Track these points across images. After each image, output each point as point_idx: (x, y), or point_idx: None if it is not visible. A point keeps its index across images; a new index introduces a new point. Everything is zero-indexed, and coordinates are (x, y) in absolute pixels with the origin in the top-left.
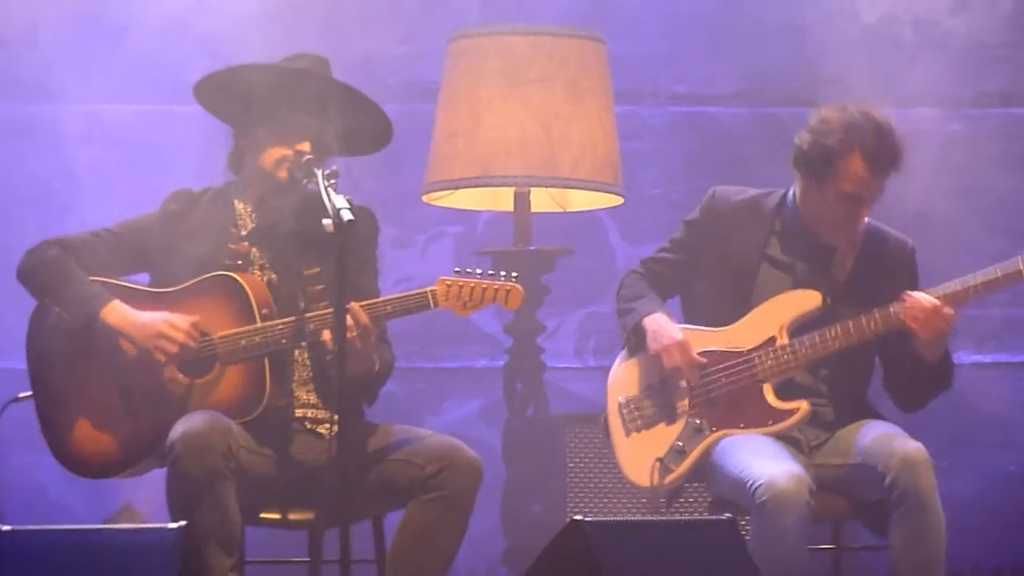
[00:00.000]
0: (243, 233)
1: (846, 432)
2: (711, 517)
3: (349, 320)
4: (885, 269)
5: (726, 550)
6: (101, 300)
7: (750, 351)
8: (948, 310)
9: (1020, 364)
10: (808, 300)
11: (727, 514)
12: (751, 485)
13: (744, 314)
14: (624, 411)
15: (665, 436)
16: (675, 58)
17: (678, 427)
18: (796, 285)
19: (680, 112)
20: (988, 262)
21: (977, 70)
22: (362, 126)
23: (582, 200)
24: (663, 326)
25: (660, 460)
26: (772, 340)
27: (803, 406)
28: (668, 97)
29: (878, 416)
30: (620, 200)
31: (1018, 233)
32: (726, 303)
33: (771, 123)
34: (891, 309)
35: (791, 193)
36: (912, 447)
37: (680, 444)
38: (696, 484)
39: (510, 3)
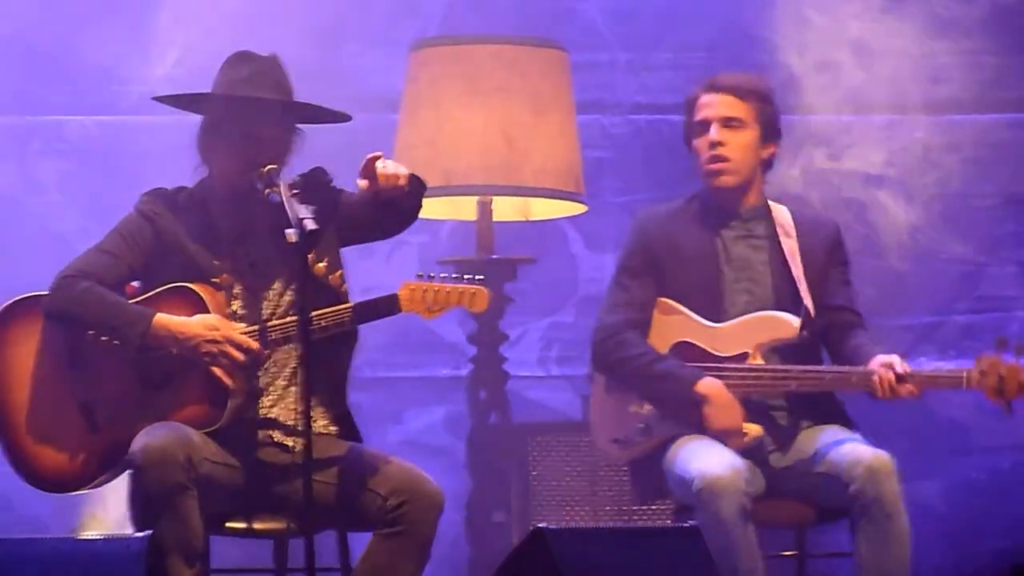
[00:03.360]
0: (218, 242)
1: (807, 437)
2: (675, 525)
3: (388, 170)
4: (823, 250)
5: (690, 558)
6: (146, 316)
7: (724, 359)
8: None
9: None
10: (784, 329)
11: (691, 521)
12: (690, 478)
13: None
14: None
15: (637, 409)
16: (637, 67)
17: (650, 407)
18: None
19: (643, 120)
20: (947, 268)
21: (937, 77)
22: (318, 118)
23: (544, 209)
24: (726, 400)
25: (618, 440)
26: (744, 356)
27: (753, 431)
28: (630, 106)
29: (844, 415)
30: (583, 209)
31: (977, 239)
32: (701, 306)
33: None
34: (867, 371)
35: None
36: (877, 455)
37: (642, 426)
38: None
39: (472, 13)
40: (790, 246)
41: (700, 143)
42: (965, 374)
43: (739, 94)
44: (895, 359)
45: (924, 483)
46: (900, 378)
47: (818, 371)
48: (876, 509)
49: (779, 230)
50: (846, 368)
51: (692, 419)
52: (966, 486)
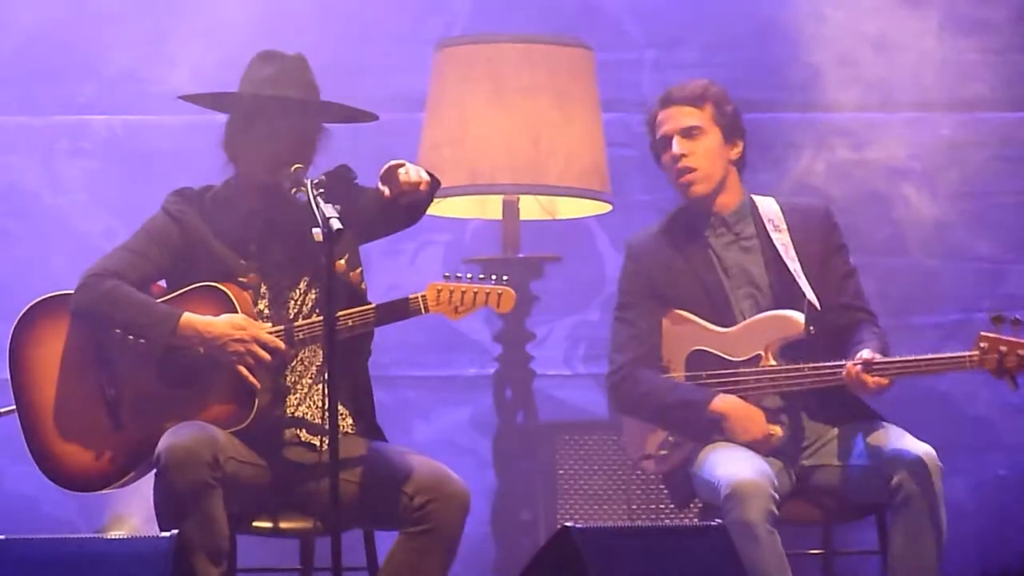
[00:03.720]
0: (244, 241)
1: (846, 433)
2: (701, 523)
3: (411, 176)
4: (818, 239)
5: (716, 556)
6: (173, 316)
7: (738, 363)
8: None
9: None
10: (791, 327)
11: (717, 520)
12: (717, 483)
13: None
14: None
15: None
16: (663, 65)
17: None
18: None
19: None
20: (974, 266)
21: (965, 75)
22: (344, 118)
23: (570, 208)
24: (743, 411)
25: (649, 455)
26: (758, 358)
27: (776, 432)
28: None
29: (871, 411)
30: (608, 207)
31: (1004, 237)
32: (707, 310)
33: (758, 129)
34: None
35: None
36: (922, 449)
37: (671, 440)
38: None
39: (497, 11)
40: (782, 240)
41: (666, 159)
42: (967, 355)
43: (693, 102)
44: (865, 352)
45: (951, 480)
46: (867, 368)
47: (829, 367)
48: (917, 504)
49: (768, 225)
50: (845, 362)
51: (717, 438)
52: (993, 483)
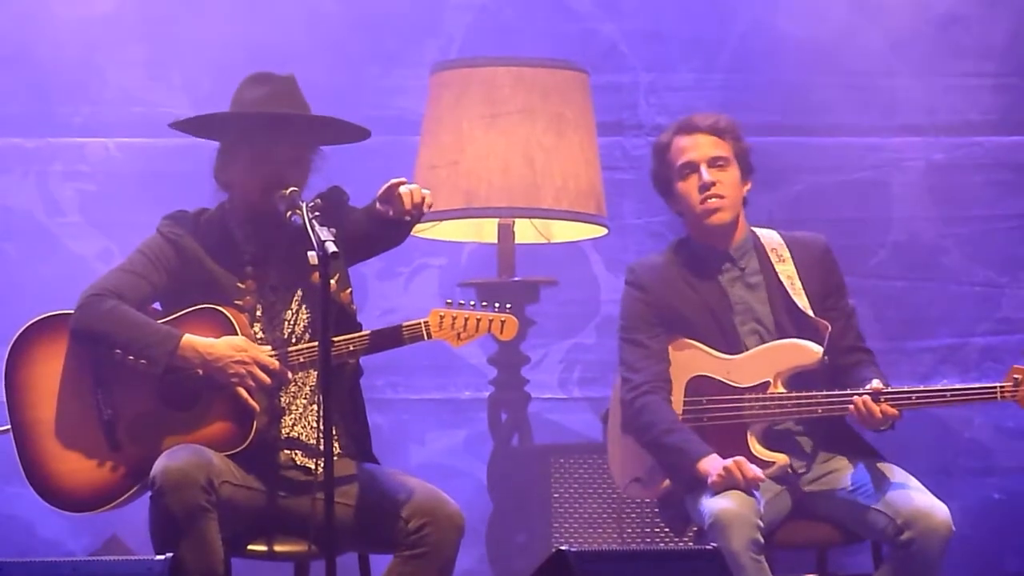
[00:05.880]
0: (240, 264)
1: (854, 467)
2: (695, 547)
3: (415, 193)
4: (818, 274)
5: None
6: (174, 336)
7: (744, 390)
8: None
9: None
10: (806, 356)
11: (712, 544)
12: (703, 513)
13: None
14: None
15: None
16: (658, 88)
17: None
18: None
19: None
20: (969, 289)
21: (959, 99)
22: (338, 139)
23: (566, 231)
24: (727, 477)
25: (637, 479)
26: (766, 385)
27: (780, 459)
28: (651, 127)
29: (863, 444)
30: (604, 231)
31: (999, 260)
32: (719, 345)
33: (753, 153)
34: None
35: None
36: (943, 514)
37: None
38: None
39: (493, 34)
40: (787, 272)
41: (686, 186)
42: (999, 386)
43: (719, 134)
44: (875, 382)
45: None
46: (875, 398)
47: (842, 395)
48: (920, 559)
49: (771, 255)
50: (861, 391)
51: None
52: (987, 507)
